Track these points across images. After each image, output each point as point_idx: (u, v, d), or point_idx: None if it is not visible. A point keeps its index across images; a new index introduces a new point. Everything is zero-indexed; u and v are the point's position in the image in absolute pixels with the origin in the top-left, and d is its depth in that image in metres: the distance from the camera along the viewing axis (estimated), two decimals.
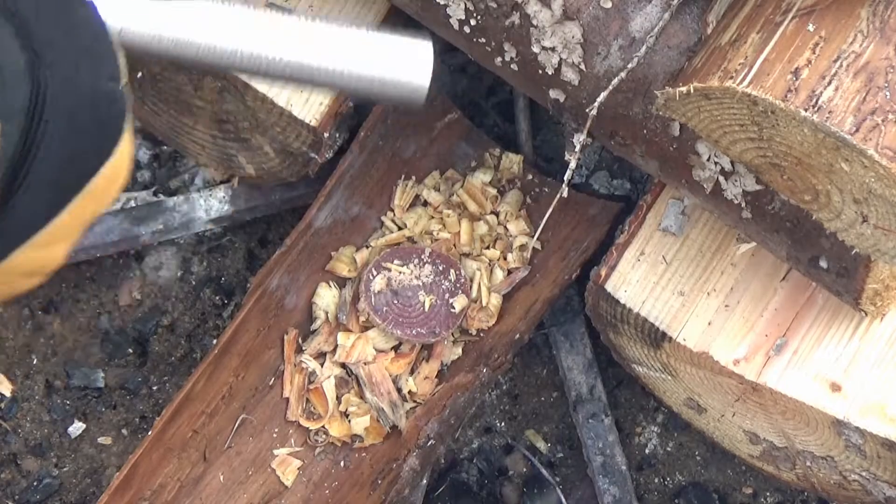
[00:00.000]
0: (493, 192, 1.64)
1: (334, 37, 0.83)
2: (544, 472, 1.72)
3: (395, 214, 1.62)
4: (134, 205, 1.74)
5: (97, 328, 1.78)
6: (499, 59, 1.37)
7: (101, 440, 1.74)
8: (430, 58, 0.83)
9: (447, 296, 1.58)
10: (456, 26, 1.37)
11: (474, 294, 1.59)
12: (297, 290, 1.59)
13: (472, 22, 1.35)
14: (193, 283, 1.79)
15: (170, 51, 0.82)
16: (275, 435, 1.56)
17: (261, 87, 1.52)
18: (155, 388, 1.76)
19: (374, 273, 1.57)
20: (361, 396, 1.56)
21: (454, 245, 1.62)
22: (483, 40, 1.36)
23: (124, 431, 1.75)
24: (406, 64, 0.83)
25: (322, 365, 1.57)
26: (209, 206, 1.72)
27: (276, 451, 1.55)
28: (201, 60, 0.83)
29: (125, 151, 0.78)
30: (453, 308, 1.57)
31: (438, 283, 1.58)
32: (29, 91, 0.72)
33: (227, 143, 1.64)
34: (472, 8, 1.34)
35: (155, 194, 1.76)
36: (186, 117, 1.64)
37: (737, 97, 1.10)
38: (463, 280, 1.59)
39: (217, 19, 0.82)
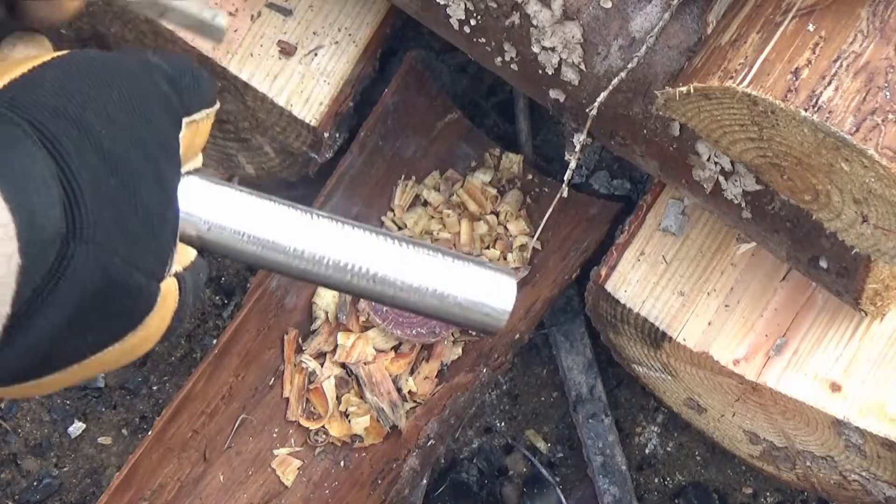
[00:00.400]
0: (493, 192, 1.64)
1: (427, 259, 0.83)
2: (544, 472, 1.72)
3: (395, 215, 1.62)
4: None
5: None
6: (499, 59, 1.37)
7: (101, 440, 1.74)
8: (514, 294, 0.85)
9: None
10: (456, 26, 1.37)
11: None
12: (296, 290, 1.59)
13: (472, 22, 1.35)
14: None
15: (250, 252, 0.79)
16: (275, 435, 1.56)
17: (261, 86, 1.52)
18: (155, 387, 1.76)
19: None
20: (361, 396, 1.56)
21: (454, 245, 1.62)
22: (483, 40, 1.36)
23: (124, 431, 1.75)
24: (491, 295, 0.84)
25: (322, 365, 1.57)
26: None
27: (276, 451, 1.55)
28: (284, 265, 0.81)
29: (145, 335, 0.73)
30: None
31: None
32: (53, 258, 0.66)
33: (227, 143, 1.64)
34: (471, 8, 1.34)
35: None
36: None
37: (737, 97, 1.10)
38: None
39: (307, 225, 0.81)
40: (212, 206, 0.78)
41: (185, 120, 0.77)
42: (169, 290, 0.74)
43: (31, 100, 0.69)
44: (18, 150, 0.66)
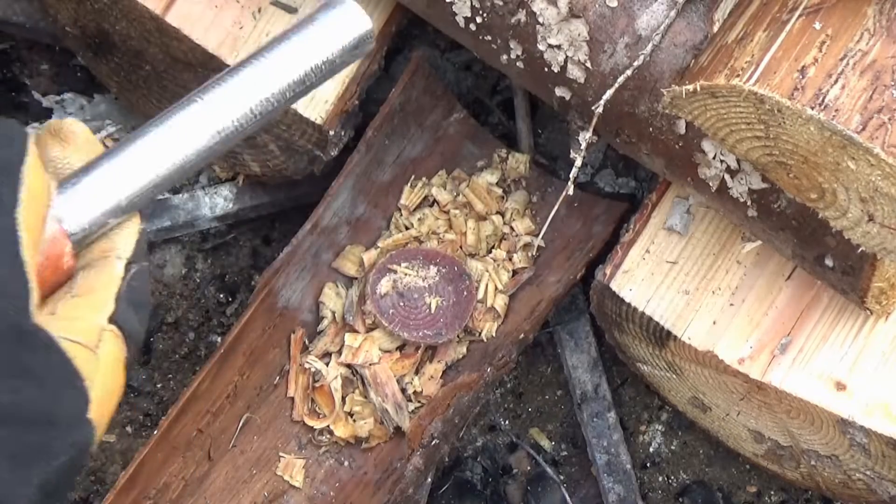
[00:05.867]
0: (499, 191, 1.64)
1: (278, 59, 0.83)
2: (548, 470, 1.71)
3: (402, 215, 1.62)
4: None
5: None
6: (504, 56, 1.37)
7: (104, 438, 1.74)
8: (357, 12, 0.84)
9: (453, 297, 1.58)
10: (462, 24, 1.37)
11: (480, 295, 1.59)
12: (303, 290, 1.59)
13: (478, 19, 1.36)
14: (198, 280, 1.79)
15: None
16: (279, 434, 1.56)
17: None
18: (159, 385, 1.76)
19: (380, 275, 1.57)
20: (366, 396, 1.56)
21: (461, 246, 1.62)
22: (489, 38, 1.36)
23: (128, 429, 1.75)
24: (344, 32, 0.84)
25: (327, 365, 1.57)
26: (214, 203, 1.72)
27: (280, 454, 1.55)
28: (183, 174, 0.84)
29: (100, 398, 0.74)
30: (459, 309, 1.57)
31: (444, 285, 1.58)
32: None
33: None
34: (478, 5, 1.34)
35: None
36: None
37: (743, 95, 1.10)
38: (469, 281, 1.58)
39: (175, 136, 0.84)
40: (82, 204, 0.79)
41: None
42: (105, 345, 0.74)
43: None
44: None
